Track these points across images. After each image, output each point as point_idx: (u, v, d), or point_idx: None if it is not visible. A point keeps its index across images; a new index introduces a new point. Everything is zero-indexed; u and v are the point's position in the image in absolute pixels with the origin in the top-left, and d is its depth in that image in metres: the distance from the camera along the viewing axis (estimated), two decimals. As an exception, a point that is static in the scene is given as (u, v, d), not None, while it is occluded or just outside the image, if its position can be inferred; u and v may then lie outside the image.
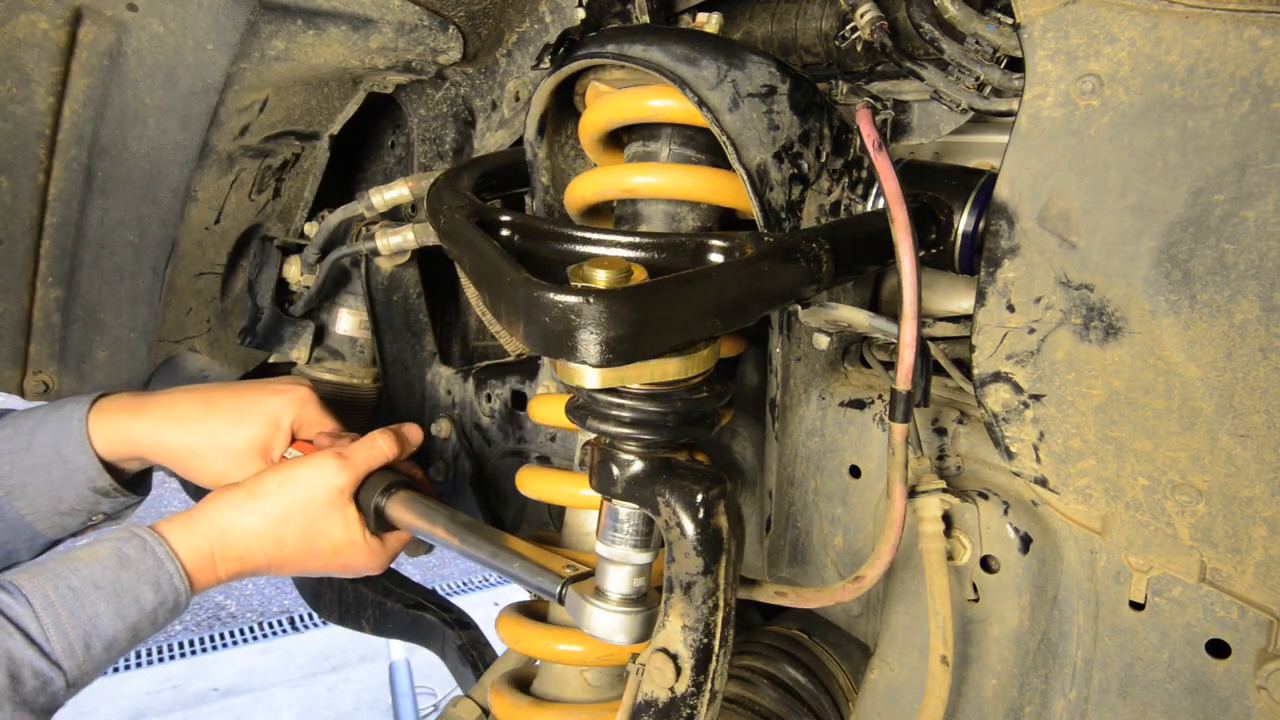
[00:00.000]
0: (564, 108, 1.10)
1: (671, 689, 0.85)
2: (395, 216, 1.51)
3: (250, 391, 1.24)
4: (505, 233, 0.93)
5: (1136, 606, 0.89)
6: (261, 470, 1.15)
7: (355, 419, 1.64)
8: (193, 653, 4.52)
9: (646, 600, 0.93)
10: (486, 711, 1.25)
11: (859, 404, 1.08)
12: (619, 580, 0.92)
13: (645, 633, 0.91)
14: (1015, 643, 0.95)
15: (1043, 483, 0.92)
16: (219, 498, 1.10)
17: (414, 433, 1.24)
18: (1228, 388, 0.78)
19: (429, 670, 3.99)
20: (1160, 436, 0.83)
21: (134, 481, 1.23)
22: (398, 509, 1.14)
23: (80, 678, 0.97)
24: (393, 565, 1.45)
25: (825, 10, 1.14)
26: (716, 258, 0.84)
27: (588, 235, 0.87)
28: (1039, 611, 0.95)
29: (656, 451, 0.87)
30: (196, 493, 1.68)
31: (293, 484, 1.11)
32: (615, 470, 0.87)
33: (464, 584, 5.28)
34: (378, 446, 1.17)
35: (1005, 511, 0.95)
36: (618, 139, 1.06)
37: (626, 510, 0.89)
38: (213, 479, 1.19)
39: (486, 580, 5.32)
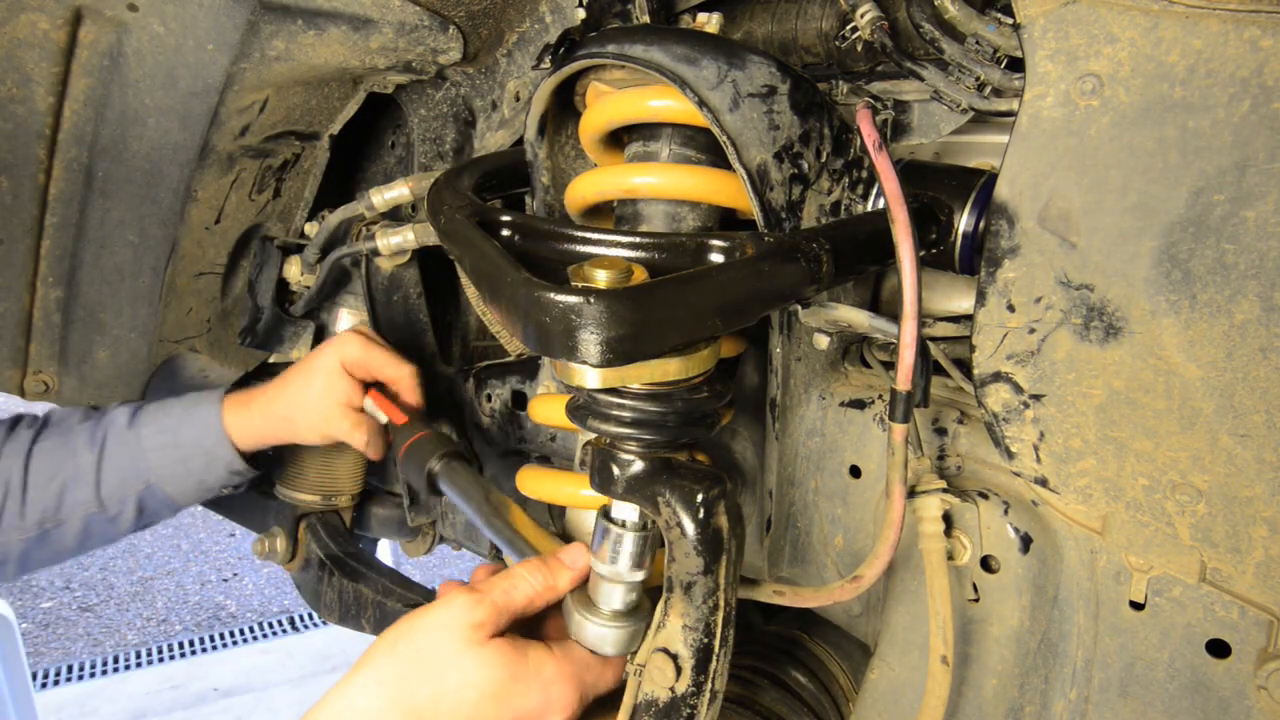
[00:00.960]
0: (564, 108, 1.10)
1: (672, 689, 0.85)
2: (395, 216, 1.51)
3: (308, 356, 1.40)
4: (506, 233, 0.93)
5: (1137, 606, 0.89)
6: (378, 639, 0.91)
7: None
8: (193, 653, 4.52)
9: (638, 613, 0.93)
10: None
11: (859, 404, 1.08)
12: (610, 596, 0.92)
13: (634, 644, 0.92)
14: (1015, 643, 0.95)
15: (1043, 483, 0.92)
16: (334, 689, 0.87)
17: (575, 558, 0.95)
18: (1228, 388, 0.78)
19: (429, 670, 3.98)
20: (1160, 436, 0.83)
21: (255, 458, 1.43)
22: (448, 479, 1.21)
23: None
24: (393, 565, 1.46)
25: (825, 10, 1.14)
26: (717, 258, 0.84)
27: (588, 235, 0.87)
28: (1039, 611, 0.95)
29: (657, 451, 0.87)
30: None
31: (411, 636, 0.86)
32: (615, 470, 0.87)
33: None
34: (522, 581, 0.92)
35: (1005, 511, 0.95)
36: (618, 139, 1.06)
37: (618, 530, 0.89)
38: (314, 434, 1.37)
39: (486, 580, 5.31)
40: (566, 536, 1.13)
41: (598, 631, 0.91)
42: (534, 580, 0.92)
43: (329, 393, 1.34)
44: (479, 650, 0.84)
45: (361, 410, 1.39)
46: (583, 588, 0.96)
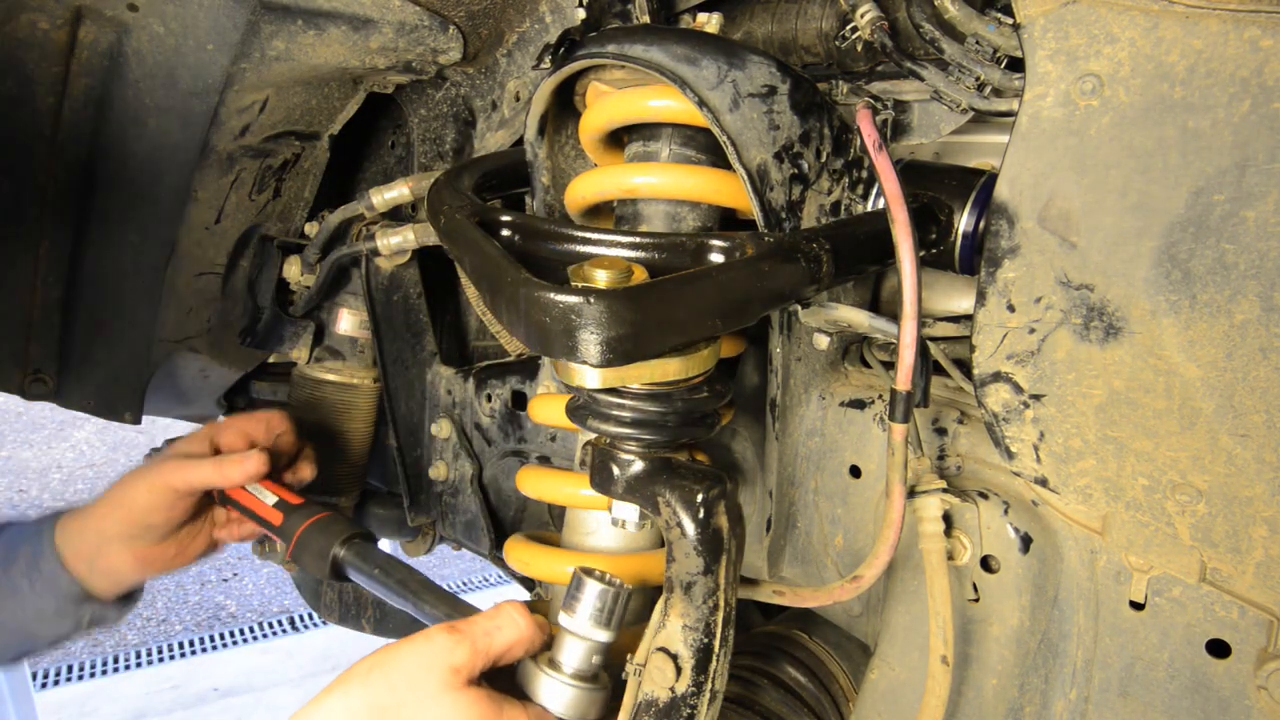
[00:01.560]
0: (564, 108, 1.10)
1: (672, 689, 0.85)
2: (395, 216, 1.51)
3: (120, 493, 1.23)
4: (506, 233, 0.93)
5: (1137, 606, 0.89)
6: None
7: (355, 419, 1.64)
8: (193, 653, 4.52)
9: (599, 680, 0.90)
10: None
11: (859, 404, 1.08)
12: (575, 654, 0.88)
13: (595, 713, 0.89)
14: (1015, 643, 0.95)
15: (1043, 483, 0.92)
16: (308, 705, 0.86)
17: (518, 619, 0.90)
18: (1228, 388, 0.78)
19: (429, 670, 3.98)
20: (1160, 436, 0.83)
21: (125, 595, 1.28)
22: (359, 561, 1.11)
23: None
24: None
25: (825, 10, 1.14)
26: (717, 258, 0.84)
27: (588, 235, 0.87)
28: (1039, 611, 0.95)
29: (657, 451, 0.87)
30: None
31: (386, 669, 0.84)
32: (615, 470, 0.87)
33: (464, 583, 5.28)
34: (507, 623, 0.88)
35: (1005, 511, 0.95)
36: (618, 139, 1.06)
37: (593, 586, 0.86)
38: (135, 570, 1.22)
39: (487, 580, 5.33)
40: (558, 543, 1.11)
41: (555, 690, 0.87)
42: (518, 625, 0.88)
43: (133, 540, 1.21)
44: (454, 695, 0.82)
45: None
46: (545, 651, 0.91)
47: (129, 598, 1.30)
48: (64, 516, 1.25)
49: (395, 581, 1.08)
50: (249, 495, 1.22)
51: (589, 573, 0.88)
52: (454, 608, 1.04)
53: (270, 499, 1.21)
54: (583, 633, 0.88)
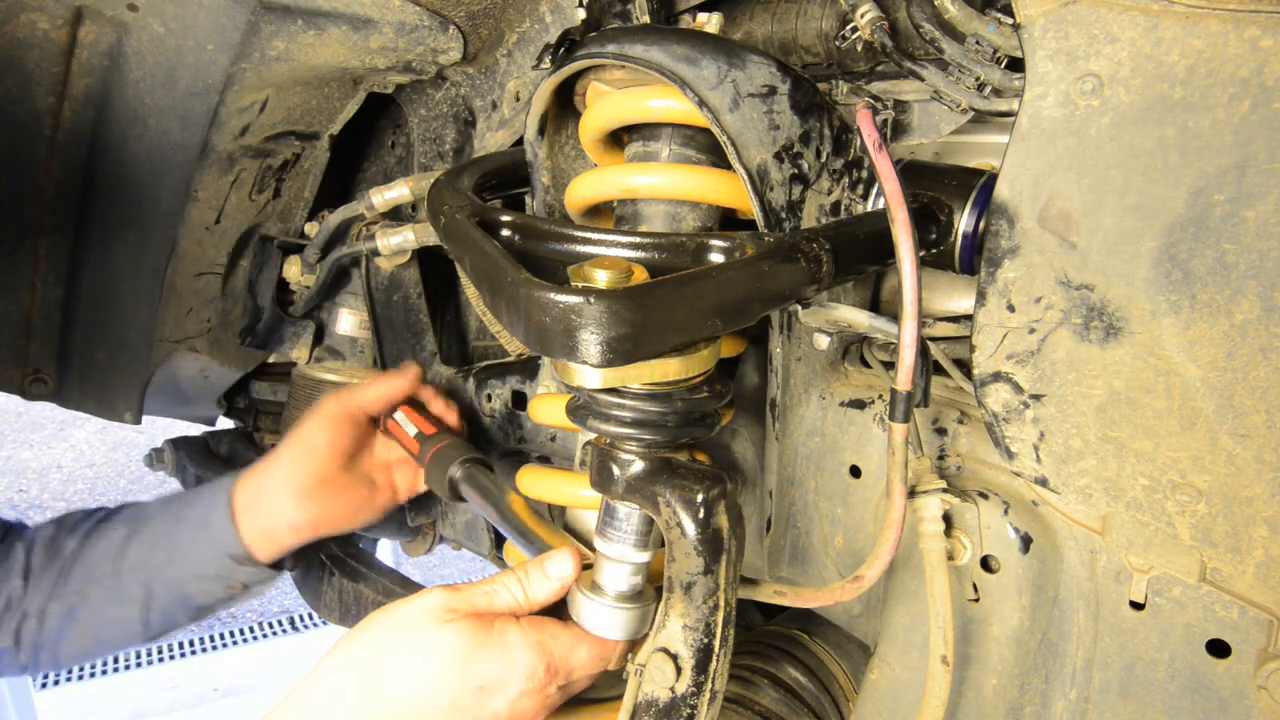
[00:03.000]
0: (564, 108, 1.10)
1: (672, 689, 0.85)
2: (395, 216, 1.51)
3: (293, 433, 1.32)
4: (506, 233, 0.93)
5: (1137, 606, 0.89)
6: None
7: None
8: (193, 653, 4.51)
9: (642, 597, 0.92)
10: None
11: (859, 404, 1.08)
12: (616, 577, 0.91)
13: (639, 628, 0.91)
14: (1015, 643, 0.95)
15: (1043, 483, 0.92)
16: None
17: (558, 568, 0.93)
18: (1228, 388, 0.78)
19: (429, 670, 3.98)
20: (1160, 436, 0.83)
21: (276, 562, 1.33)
22: (468, 484, 1.22)
23: None
24: (393, 565, 1.45)
25: (825, 10, 1.14)
26: (717, 258, 0.84)
27: (588, 235, 0.87)
28: (1039, 611, 0.95)
29: (657, 451, 0.87)
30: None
31: (381, 620, 0.86)
32: (616, 470, 0.87)
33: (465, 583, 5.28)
34: (503, 589, 0.90)
35: (1005, 511, 0.95)
36: (618, 139, 1.07)
37: (626, 508, 0.89)
38: (290, 513, 1.27)
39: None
40: (580, 537, 1.13)
41: (601, 613, 0.90)
42: (514, 590, 0.90)
43: (311, 474, 1.27)
44: (443, 626, 0.83)
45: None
46: (586, 570, 0.95)
47: (278, 565, 1.34)
48: (247, 470, 1.30)
49: (491, 504, 1.17)
50: (400, 429, 1.35)
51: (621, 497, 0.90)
52: (537, 538, 1.07)
53: (411, 430, 1.34)
54: (619, 556, 0.90)
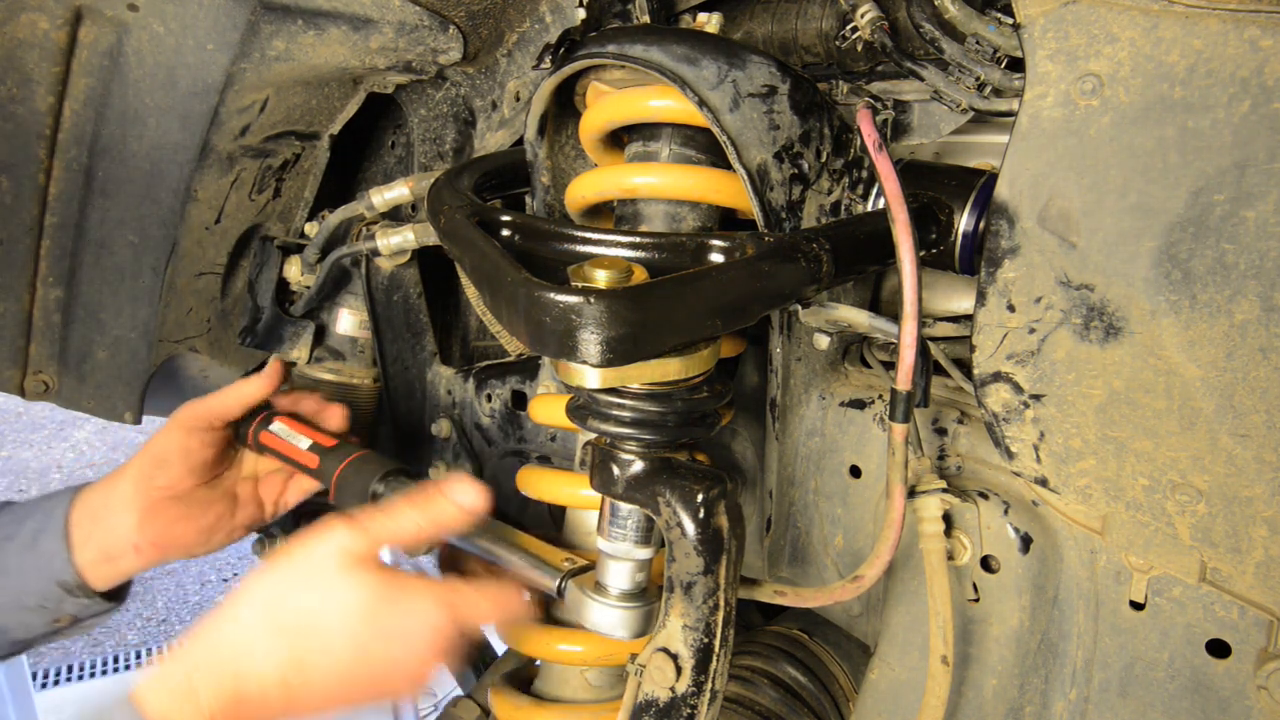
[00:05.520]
0: (564, 108, 1.10)
1: (672, 689, 0.85)
2: (395, 216, 1.51)
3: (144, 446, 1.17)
4: (506, 233, 0.93)
5: (1137, 606, 0.89)
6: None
7: (355, 419, 1.64)
8: (193, 653, 4.51)
9: (646, 595, 0.92)
10: (487, 711, 1.25)
11: (859, 404, 1.08)
12: (620, 575, 0.92)
13: (646, 627, 0.91)
14: (1015, 643, 0.95)
15: (1043, 483, 0.92)
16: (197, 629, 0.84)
17: (462, 493, 0.93)
18: (1228, 388, 0.78)
19: (429, 670, 3.98)
20: (1160, 436, 0.83)
21: (115, 590, 1.16)
22: (392, 496, 1.08)
23: None
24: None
25: (825, 10, 1.14)
26: (717, 258, 0.84)
27: (588, 235, 0.87)
28: (1039, 611, 0.95)
29: (657, 451, 0.87)
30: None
31: (287, 561, 0.86)
32: (616, 470, 0.87)
33: (464, 584, 5.28)
34: (404, 514, 0.90)
35: (1005, 511, 0.95)
36: (618, 139, 1.06)
37: (628, 506, 0.89)
38: (134, 533, 1.12)
39: (486, 580, 5.32)
40: (560, 540, 1.12)
41: (607, 614, 0.90)
42: (416, 516, 0.90)
43: (153, 491, 1.13)
44: (350, 573, 0.84)
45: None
46: (589, 571, 0.95)
47: (115, 595, 1.17)
48: (91, 484, 1.16)
49: None
50: (282, 441, 1.18)
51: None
52: (499, 537, 1.02)
53: (304, 443, 1.17)
54: (622, 554, 0.91)
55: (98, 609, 1.14)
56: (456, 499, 0.92)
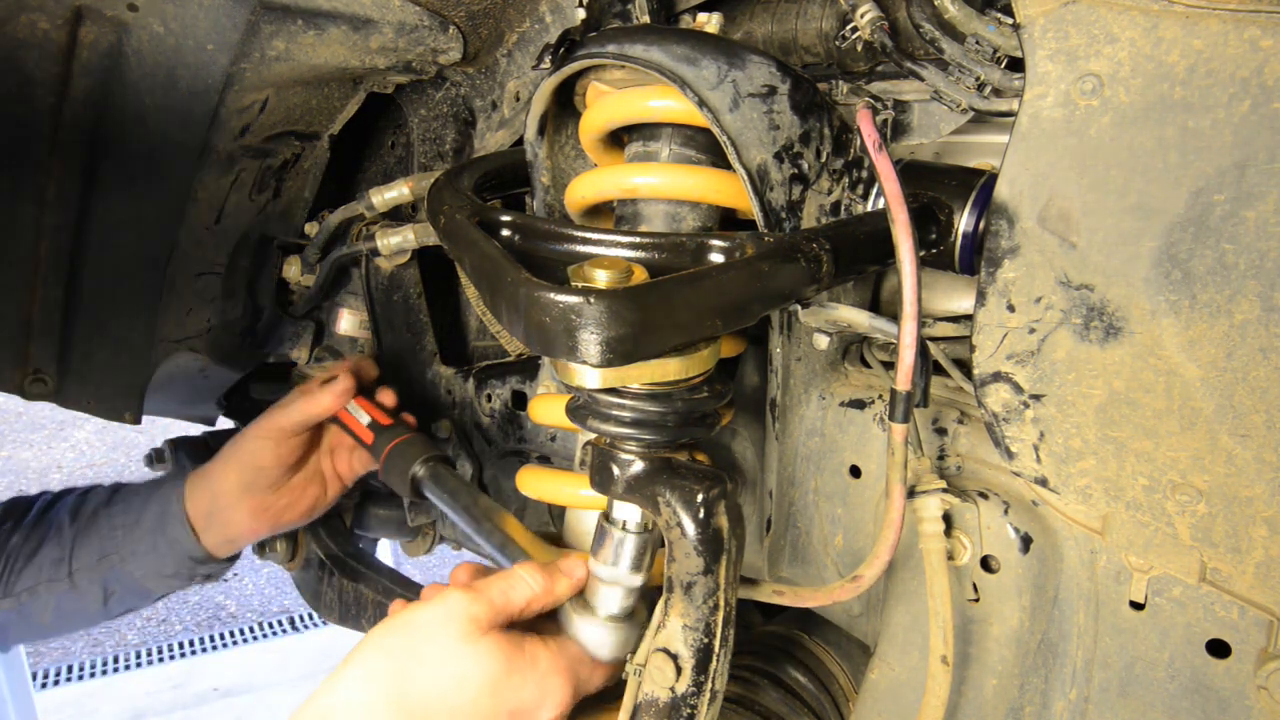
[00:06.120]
0: (564, 108, 1.10)
1: (672, 689, 0.85)
2: (395, 216, 1.51)
3: (238, 443, 1.36)
4: (506, 233, 0.93)
5: (1137, 606, 0.89)
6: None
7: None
8: (193, 653, 4.52)
9: (634, 618, 0.93)
10: None
11: (859, 404, 1.08)
12: (609, 599, 0.93)
13: (629, 650, 0.92)
14: (1015, 643, 0.95)
15: (1043, 483, 0.92)
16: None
17: (573, 567, 0.94)
18: (1228, 388, 0.78)
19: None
20: (1160, 436, 0.83)
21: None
22: (433, 483, 1.20)
23: None
24: (393, 565, 1.46)
25: (825, 10, 1.14)
26: (717, 258, 0.84)
27: (588, 235, 0.87)
28: (1039, 611, 0.95)
29: (657, 451, 0.87)
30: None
31: (404, 630, 0.84)
32: (615, 470, 0.87)
33: (464, 584, 5.28)
34: (520, 583, 0.89)
35: (1005, 511, 0.95)
36: (618, 139, 1.06)
37: (619, 533, 0.90)
38: (250, 523, 1.35)
39: (486, 580, 5.32)
40: (560, 540, 1.13)
41: (594, 634, 0.92)
42: (533, 583, 0.90)
43: (251, 483, 1.33)
44: (474, 644, 0.82)
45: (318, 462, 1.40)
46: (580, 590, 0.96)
47: (235, 555, 1.41)
48: (192, 475, 1.35)
49: (461, 505, 1.16)
50: (349, 416, 1.33)
51: (614, 521, 0.91)
52: (511, 537, 1.07)
53: (365, 419, 1.32)
54: (612, 578, 0.91)
55: (224, 568, 1.41)
56: (574, 575, 0.93)
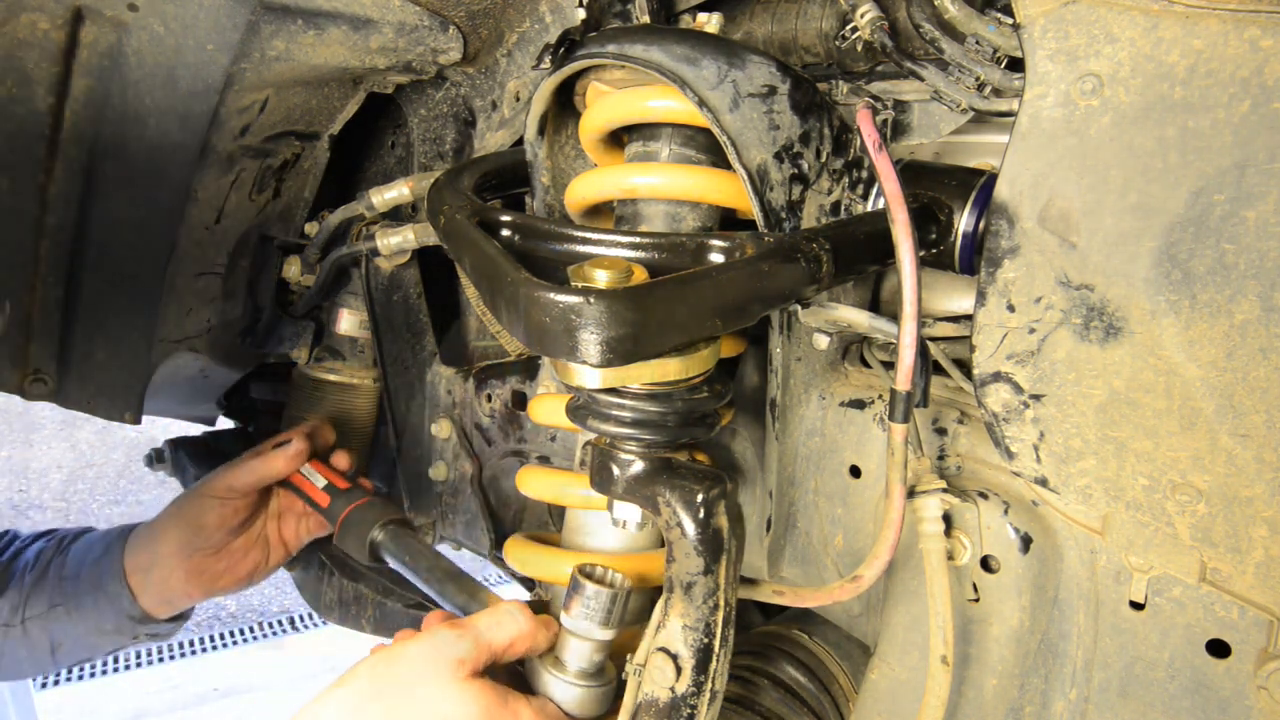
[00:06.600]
0: (564, 108, 1.10)
1: (672, 689, 0.85)
2: (395, 216, 1.51)
3: (181, 504, 1.34)
4: (506, 233, 0.93)
5: (1137, 606, 0.89)
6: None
7: (355, 419, 1.64)
8: (193, 653, 4.51)
9: (603, 675, 0.93)
10: None
11: (859, 404, 1.08)
12: (579, 654, 0.92)
13: (601, 709, 0.92)
14: (1015, 643, 0.95)
15: (1043, 483, 0.92)
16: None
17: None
18: (1228, 388, 0.78)
19: (429, 670, 3.98)
20: (1160, 436, 0.83)
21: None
22: (393, 545, 1.17)
23: None
24: (394, 565, 1.45)
25: (825, 10, 1.14)
26: (717, 258, 0.84)
27: (588, 235, 0.87)
28: (1039, 611, 0.95)
29: (657, 451, 0.87)
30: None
31: (390, 663, 0.85)
32: (615, 470, 0.87)
33: (464, 584, 5.28)
34: (507, 620, 0.91)
35: (1005, 511, 0.95)
36: (618, 139, 1.06)
37: (594, 587, 0.89)
38: (184, 586, 1.31)
39: (486, 580, 5.32)
40: (579, 540, 1.12)
41: (562, 690, 0.91)
42: (520, 620, 0.91)
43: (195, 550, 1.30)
44: (458, 686, 0.83)
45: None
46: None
47: (180, 616, 1.37)
48: (137, 529, 1.32)
49: (422, 568, 1.13)
50: (303, 479, 1.30)
51: (588, 574, 0.90)
52: (474, 597, 1.07)
53: (320, 481, 1.29)
54: (584, 632, 0.90)
55: (166, 629, 1.36)
56: (553, 627, 0.94)
